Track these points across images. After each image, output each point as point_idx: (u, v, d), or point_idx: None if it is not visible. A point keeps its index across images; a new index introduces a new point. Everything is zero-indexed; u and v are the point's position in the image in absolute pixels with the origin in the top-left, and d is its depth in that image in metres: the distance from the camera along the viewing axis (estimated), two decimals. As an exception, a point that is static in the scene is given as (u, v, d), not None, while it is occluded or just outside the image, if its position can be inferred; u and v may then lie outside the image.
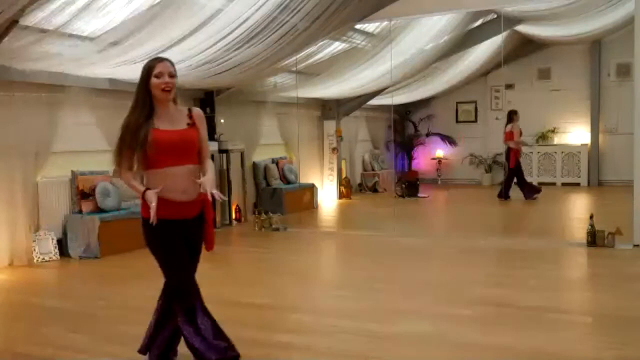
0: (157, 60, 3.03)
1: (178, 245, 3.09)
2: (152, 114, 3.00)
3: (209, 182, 2.98)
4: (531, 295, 4.74)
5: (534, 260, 6.13)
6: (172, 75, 3.00)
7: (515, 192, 10.49)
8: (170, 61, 3.05)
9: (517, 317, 4.18)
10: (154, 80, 2.96)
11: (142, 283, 5.50)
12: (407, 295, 4.85)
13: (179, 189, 2.99)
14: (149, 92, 2.99)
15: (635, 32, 6.57)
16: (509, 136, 10.37)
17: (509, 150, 10.36)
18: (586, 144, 12.29)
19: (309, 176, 11.26)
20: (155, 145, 2.94)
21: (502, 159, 12.73)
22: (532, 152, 12.30)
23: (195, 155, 3.07)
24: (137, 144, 2.96)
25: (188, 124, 3.07)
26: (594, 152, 12.30)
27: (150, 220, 2.93)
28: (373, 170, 13.35)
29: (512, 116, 10.41)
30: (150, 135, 2.94)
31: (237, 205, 8.85)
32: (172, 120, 3.04)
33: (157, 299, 3.25)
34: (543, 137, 12.42)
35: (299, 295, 5.07)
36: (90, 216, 6.66)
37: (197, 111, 3.16)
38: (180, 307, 3.10)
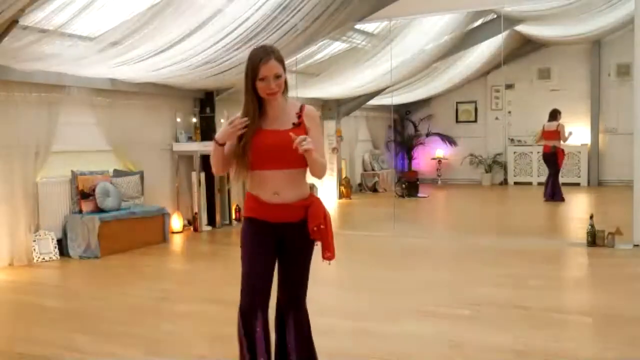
0: (261, 60, 2.58)
1: (260, 251, 2.72)
2: (261, 113, 2.66)
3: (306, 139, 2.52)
4: (531, 295, 4.74)
5: (534, 260, 6.12)
6: (279, 75, 2.60)
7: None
8: (276, 55, 2.61)
9: (517, 317, 4.18)
10: (259, 83, 2.60)
11: (142, 283, 5.50)
12: (407, 295, 4.84)
13: (270, 191, 2.67)
14: (255, 91, 2.63)
15: (635, 32, 6.58)
16: (554, 135, 10.20)
17: (555, 150, 10.18)
18: (586, 144, 12.29)
19: (308, 176, 11.23)
20: (252, 147, 2.62)
21: (502, 159, 12.77)
22: (532, 152, 12.30)
23: (298, 159, 2.59)
24: (239, 146, 2.63)
25: (294, 124, 2.66)
26: (594, 152, 12.30)
27: (238, 120, 2.57)
28: (373, 170, 13.35)
29: (556, 115, 10.27)
30: (254, 136, 2.62)
31: (237, 205, 8.85)
32: (278, 118, 2.67)
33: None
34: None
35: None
36: (90, 216, 6.66)
37: (309, 110, 2.74)
38: (240, 327, 2.75)
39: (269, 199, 2.68)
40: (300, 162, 2.63)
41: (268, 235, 2.72)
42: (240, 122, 2.59)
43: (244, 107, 2.67)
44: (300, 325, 2.83)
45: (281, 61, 2.63)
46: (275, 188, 2.66)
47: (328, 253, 2.78)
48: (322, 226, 2.71)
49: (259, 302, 2.74)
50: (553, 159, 10.27)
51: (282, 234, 2.73)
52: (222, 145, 2.66)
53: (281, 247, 2.77)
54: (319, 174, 2.72)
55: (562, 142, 10.24)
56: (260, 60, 2.58)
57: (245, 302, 2.74)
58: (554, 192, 10.27)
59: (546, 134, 10.32)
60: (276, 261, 2.80)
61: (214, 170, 2.78)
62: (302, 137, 2.51)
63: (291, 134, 2.54)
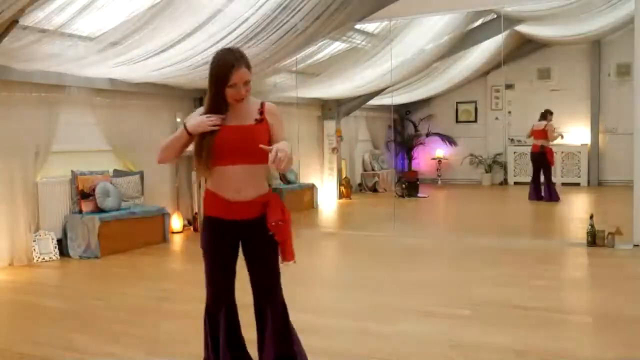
0: (232, 66, 2.62)
1: (219, 251, 2.81)
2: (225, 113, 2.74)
3: (281, 145, 2.56)
4: (531, 295, 4.74)
5: (534, 260, 6.13)
6: (248, 82, 2.67)
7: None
8: (246, 63, 2.67)
9: (517, 317, 4.18)
10: (228, 90, 2.65)
11: (142, 283, 5.51)
12: (407, 295, 4.85)
13: (232, 188, 2.72)
14: (223, 96, 2.69)
15: (635, 32, 6.58)
16: (541, 134, 10.26)
17: (543, 150, 10.25)
18: (586, 144, 12.28)
19: (309, 176, 11.26)
20: (215, 143, 2.69)
21: (502, 159, 12.77)
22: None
23: (259, 154, 2.62)
24: (201, 143, 2.71)
25: (256, 120, 2.74)
26: (594, 152, 12.30)
27: (211, 122, 2.66)
28: (373, 170, 13.35)
29: (547, 115, 10.32)
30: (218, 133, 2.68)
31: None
32: (241, 115, 2.73)
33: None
34: (543, 137, 12.43)
35: (298, 295, 5.06)
36: (90, 216, 6.66)
37: (270, 106, 2.80)
38: (206, 325, 2.89)
39: (231, 196, 2.73)
40: (261, 157, 2.64)
41: (229, 235, 2.80)
42: (218, 118, 2.68)
43: (208, 109, 2.72)
44: (276, 318, 2.86)
45: (249, 67, 2.70)
46: (237, 185, 2.72)
47: (288, 255, 2.82)
48: (280, 222, 2.74)
49: (224, 303, 2.87)
50: (541, 158, 10.31)
51: (244, 231, 2.79)
52: (191, 135, 2.71)
53: (244, 245, 2.83)
54: (287, 168, 2.73)
55: (550, 142, 10.28)
56: (232, 67, 2.63)
57: (210, 303, 2.87)
58: (550, 192, 10.28)
59: (534, 133, 10.39)
60: (237, 258, 2.86)
61: (162, 155, 2.79)
62: (273, 151, 2.51)
63: (262, 145, 2.60)
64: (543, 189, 10.35)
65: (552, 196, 10.25)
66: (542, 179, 10.38)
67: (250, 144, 2.65)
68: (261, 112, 2.77)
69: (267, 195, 2.80)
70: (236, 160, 2.70)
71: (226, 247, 2.82)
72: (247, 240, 2.82)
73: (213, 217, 2.81)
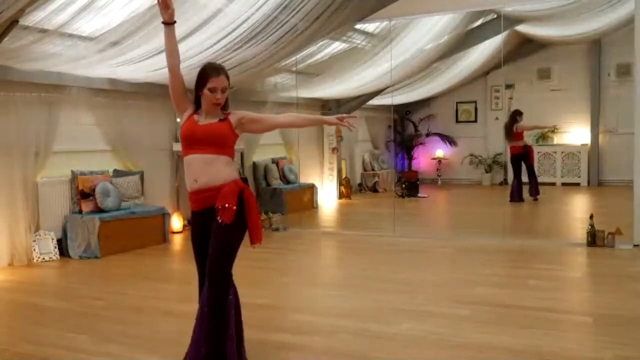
0: (214, 71, 3.08)
1: (195, 240, 3.22)
2: (199, 111, 3.20)
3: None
4: (531, 295, 4.74)
5: (534, 260, 6.13)
6: (225, 89, 3.11)
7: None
8: (225, 73, 3.12)
9: (517, 317, 4.18)
10: (206, 92, 3.08)
11: (142, 283, 5.50)
12: (407, 295, 4.85)
13: (191, 177, 3.09)
14: (198, 95, 3.15)
15: (635, 32, 6.58)
16: (519, 136, 10.35)
17: (527, 149, 10.38)
18: (586, 144, 12.27)
19: (309, 176, 11.26)
20: (184, 132, 3.13)
21: (503, 159, 12.77)
22: (531, 152, 12.29)
23: (221, 148, 3.09)
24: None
25: (220, 119, 3.14)
26: (594, 152, 12.29)
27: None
28: (373, 170, 13.35)
29: (516, 116, 10.39)
30: (190, 126, 3.13)
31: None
32: (210, 118, 3.16)
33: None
34: (543, 137, 12.41)
35: (299, 295, 5.08)
36: (90, 216, 6.66)
37: (233, 112, 3.22)
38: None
39: (191, 186, 3.11)
40: (219, 149, 3.07)
41: (201, 226, 3.15)
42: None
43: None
44: (208, 299, 3.03)
45: (228, 79, 3.14)
46: (195, 174, 3.07)
47: (254, 239, 3.16)
48: (225, 206, 3.00)
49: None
50: (525, 158, 10.37)
51: (210, 218, 3.06)
52: (167, 24, 3.36)
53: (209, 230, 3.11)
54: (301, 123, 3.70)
55: (524, 142, 10.43)
56: (213, 71, 3.09)
57: (200, 289, 3.22)
58: (519, 193, 10.28)
59: (516, 136, 10.43)
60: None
61: (167, 62, 3.20)
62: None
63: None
64: (512, 188, 10.37)
65: (520, 197, 10.27)
66: (512, 178, 10.42)
67: (210, 135, 3.05)
68: (224, 113, 3.16)
69: (224, 185, 3.05)
70: (196, 150, 3.06)
71: (198, 236, 3.18)
72: (209, 226, 3.08)
73: (192, 210, 3.21)
